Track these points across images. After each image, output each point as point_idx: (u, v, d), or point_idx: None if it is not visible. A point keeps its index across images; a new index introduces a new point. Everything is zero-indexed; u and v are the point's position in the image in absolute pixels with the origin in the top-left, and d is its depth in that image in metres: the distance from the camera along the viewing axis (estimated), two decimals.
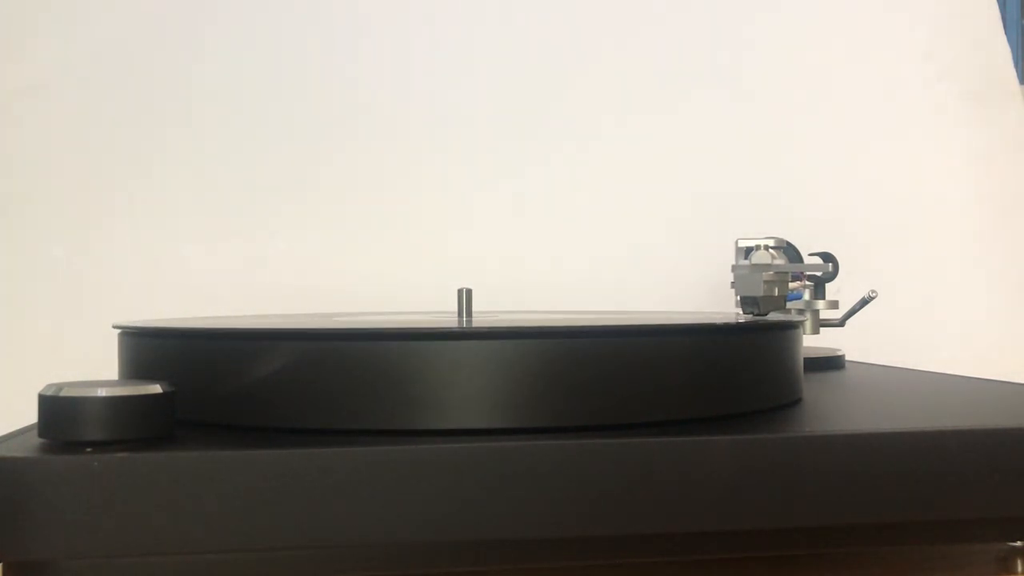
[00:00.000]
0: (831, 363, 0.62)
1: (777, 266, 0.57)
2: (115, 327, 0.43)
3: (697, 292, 0.78)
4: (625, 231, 0.79)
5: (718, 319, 0.43)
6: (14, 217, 0.71)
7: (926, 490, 0.35)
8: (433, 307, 0.68)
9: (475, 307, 0.53)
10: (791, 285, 0.59)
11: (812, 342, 0.64)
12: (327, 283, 0.74)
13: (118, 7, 0.74)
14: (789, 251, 0.59)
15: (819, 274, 0.60)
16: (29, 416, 0.34)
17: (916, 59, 0.86)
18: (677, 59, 0.82)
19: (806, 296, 0.60)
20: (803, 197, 0.81)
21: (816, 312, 0.60)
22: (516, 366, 0.35)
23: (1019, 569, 0.39)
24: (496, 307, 0.70)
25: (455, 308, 0.50)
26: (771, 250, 0.57)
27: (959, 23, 0.87)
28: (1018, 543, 0.40)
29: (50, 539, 0.30)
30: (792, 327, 0.43)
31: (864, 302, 0.61)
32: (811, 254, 0.61)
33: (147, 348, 0.40)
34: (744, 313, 0.57)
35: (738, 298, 0.58)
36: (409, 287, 0.74)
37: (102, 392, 0.31)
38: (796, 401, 0.43)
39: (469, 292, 0.49)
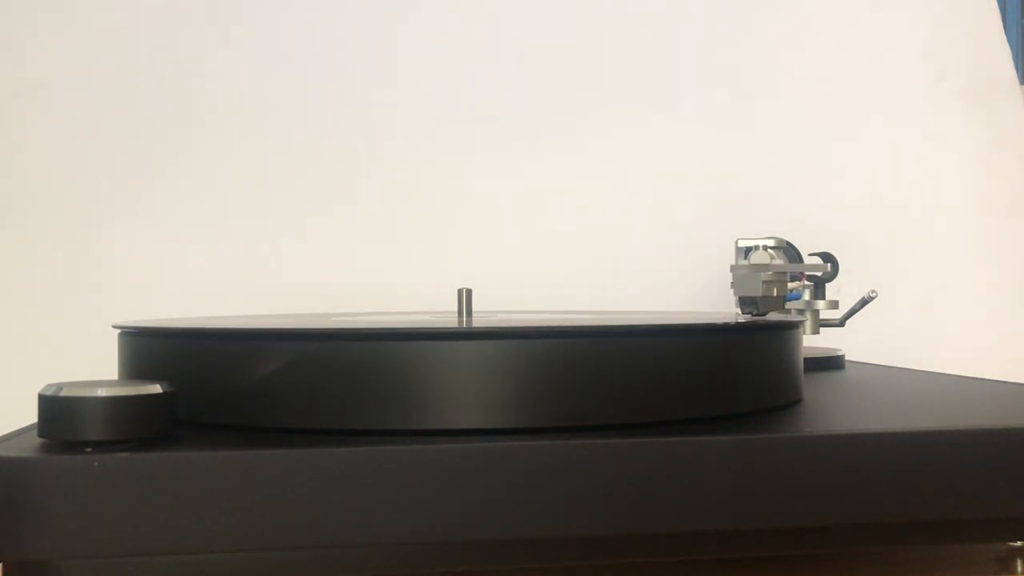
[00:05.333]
0: (831, 363, 0.62)
1: (776, 266, 0.57)
2: (115, 327, 0.43)
3: (697, 292, 0.78)
4: (625, 231, 0.79)
5: (718, 319, 0.43)
6: (14, 217, 0.71)
7: (926, 490, 0.35)
8: (433, 307, 0.68)
9: (475, 307, 0.53)
10: (791, 285, 0.59)
11: (812, 342, 0.64)
12: (327, 283, 0.74)
13: (119, 7, 0.74)
14: (789, 251, 0.59)
15: (819, 274, 0.60)
16: (29, 416, 0.34)
17: (916, 59, 0.86)
18: (677, 59, 0.82)
19: (806, 296, 0.60)
20: (803, 197, 0.81)
21: (816, 312, 0.60)
22: (516, 366, 0.35)
23: (1019, 569, 0.39)
24: (496, 307, 0.70)
25: (455, 308, 0.50)
26: (770, 250, 0.57)
27: (959, 23, 0.87)
28: (1018, 543, 0.40)
29: (50, 539, 0.30)
30: (792, 327, 0.43)
31: (864, 302, 0.61)
32: (811, 254, 0.61)
33: (147, 348, 0.40)
34: (743, 313, 0.57)
35: (737, 298, 0.58)
36: (409, 287, 0.74)
37: (102, 392, 0.31)
38: (796, 401, 0.43)
39: (469, 292, 0.49)
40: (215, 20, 0.75)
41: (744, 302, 0.58)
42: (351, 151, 0.76)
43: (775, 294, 0.57)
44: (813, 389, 0.48)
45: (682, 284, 0.78)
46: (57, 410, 0.31)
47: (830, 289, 0.61)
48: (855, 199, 0.83)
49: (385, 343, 0.35)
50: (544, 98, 0.79)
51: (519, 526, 0.32)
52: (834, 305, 0.60)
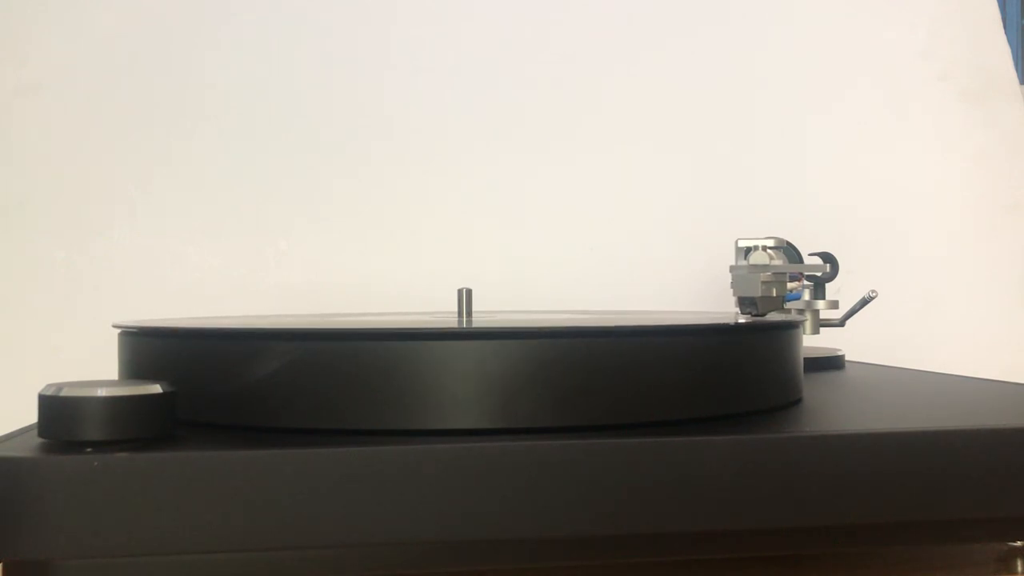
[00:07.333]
0: (831, 363, 0.62)
1: (775, 266, 0.57)
2: (115, 327, 0.43)
3: (697, 292, 0.78)
4: (625, 231, 0.79)
5: (718, 319, 0.43)
6: (14, 217, 0.71)
7: (926, 490, 0.35)
8: (433, 307, 0.68)
9: (475, 307, 0.53)
10: (790, 285, 0.59)
11: (812, 342, 0.64)
12: (327, 283, 0.74)
13: (119, 7, 0.74)
14: (789, 251, 0.59)
15: (818, 274, 0.60)
16: (29, 416, 0.34)
17: (916, 59, 0.86)
18: (676, 59, 0.82)
19: (806, 296, 0.60)
20: (803, 197, 0.81)
21: (816, 312, 0.60)
22: (516, 366, 0.35)
23: (1019, 569, 0.39)
24: (496, 307, 0.70)
25: (455, 308, 0.50)
26: (769, 250, 0.57)
27: (959, 23, 0.87)
28: (1018, 543, 0.40)
29: (50, 539, 0.30)
30: (792, 327, 0.43)
31: (864, 302, 0.61)
32: (811, 254, 0.61)
33: (147, 348, 0.40)
34: (743, 313, 0.57)
35: (736, 298, 0.58)
36: (409, 287, 0.74)
37: (102, 392, 0.31)
38: (796, 401, 0.43)
39: (469, 292, 0.49)
40: (213, 20, 0.75)
41: (743, 302, 0.58)
42: (352, 152, 0.76)
43: (774, 294, 0.57)
44: (813, 389, 0.48)
45: (682, 284, 0.78)
46: (57, 410, 0.31)
47: (830, 289, 0.61)
48: (855, 199, 0.83)
49: (385, 343, 0.35)
50: (545, 98, 0.79)
51: (519, 526, 0.32)
52: (834, 305, 0.60)
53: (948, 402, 0.44)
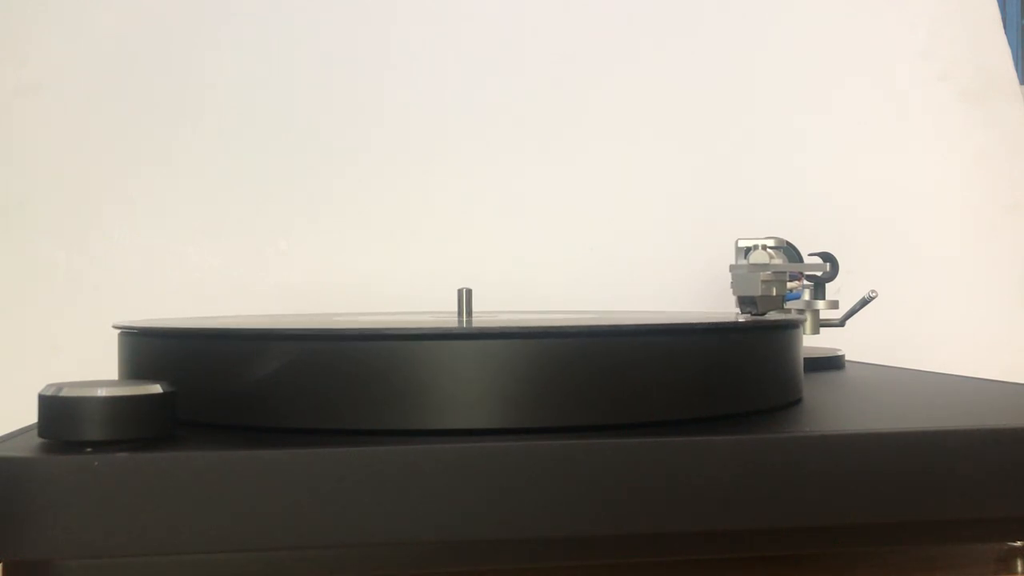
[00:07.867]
0: (831, 363, 0.62)
1: (775, 266, 0.57)
2: (115, 327, 0.43)
3: (697, 292, 0.78)
4: (625, 231, 0.79)
5: (718, 319, 0.43)
6: (14, 217, 0.71)
7: (926, 490, 0.35)
8: (433, 307, 0.68)
9: (475, 307, 0.53)
10: (790, 285, 0.59)
11: (812, 342, 0.64)
12: (328, 283, 0.74)
13: (119, 7, 0.74)
14: (789, 251, 0.59)
15: (818, 274, 0.60)
16: (29, 416, 0.34)
17: (916, 59, 0.86)
18: (676, 59, 0.82)
19: (806, 296, 0.60)
20: (803, 197, 0.81)
21: (816, 312, 0.60)
22: (516, 366, 0.35)
23: (1019, 569, 0.39)
24: (496, 307, 0.70)
25: (455, 308, 0.50)
26: (769, 250, 0.57)
27: (959, 23, 0.87)
28: (1018, 543, 0.40)
29: (50, 539, 0.30)
30: (792, 327, 0.43)
31: (864, 302, 0.61)
32: (811, 254, 0.61)
33: (147, 348, 0.40)
34: (743, 313, 0.57)
35: (736, 298, 0.58)
36: (409, 287, 0.74)
37: (102, 392, 0.31)
38: (796, 401, 0.43)
39: (469, 292, 0.49)
40: (211, 19, 0.75)
41: (743, 302, 0.58)
42: (352, 152, 0.76)
43: (774, 294, 0.57)
44: (813, 389, 0.48)
45: (682, 284, 0.78)
46: (57, 410, 0.31)
47: (830, 289, 0.61)
48: (855, 199, 0.83)
49: (385, 343, 0.35)
50: (546, 98, 0.79)
51: (519, 526, 0.32)
52: (834, 305, 0.60)
53: (948, 402, 0.44)
